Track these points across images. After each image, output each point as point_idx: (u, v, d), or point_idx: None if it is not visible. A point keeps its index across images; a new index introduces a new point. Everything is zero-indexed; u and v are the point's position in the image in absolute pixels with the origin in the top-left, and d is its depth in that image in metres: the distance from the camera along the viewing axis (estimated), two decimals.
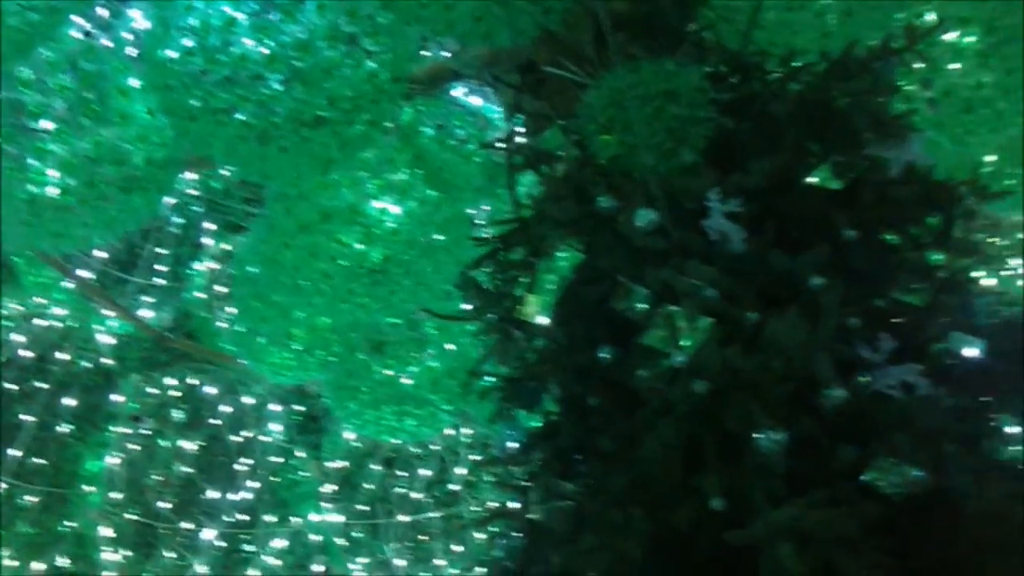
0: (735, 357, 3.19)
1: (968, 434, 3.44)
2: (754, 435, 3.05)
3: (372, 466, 8.42)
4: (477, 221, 5.98)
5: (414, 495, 8.51)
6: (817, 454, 3.14)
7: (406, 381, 7.07)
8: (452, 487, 8.45)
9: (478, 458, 8.07)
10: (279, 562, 7.91)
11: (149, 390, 8.12)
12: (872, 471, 3.08)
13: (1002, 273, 8.12)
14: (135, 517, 7.98)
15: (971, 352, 3.64)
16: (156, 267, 8.10)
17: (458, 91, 6.16)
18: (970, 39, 6.02)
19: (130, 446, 8.13)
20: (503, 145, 5.29)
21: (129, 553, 7.62)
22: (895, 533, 3.04)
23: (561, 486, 3.78)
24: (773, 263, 3.65)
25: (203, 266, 7.76)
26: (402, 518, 8.46)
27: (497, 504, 4.22)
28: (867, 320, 3.63)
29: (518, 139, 5.36)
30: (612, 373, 3.76)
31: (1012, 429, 3.81)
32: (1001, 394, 3.80)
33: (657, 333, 3.42)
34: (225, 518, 7.85)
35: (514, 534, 3.87)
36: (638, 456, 3.35)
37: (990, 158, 6.72)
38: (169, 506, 7.86)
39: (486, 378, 4.11)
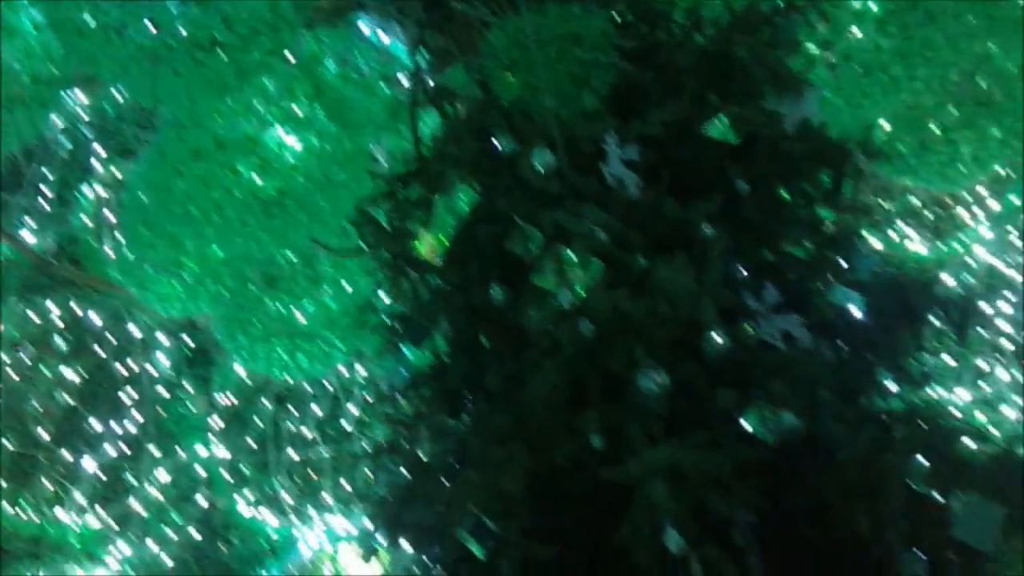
0: (623, 300, 3.23)
1: (844, 385, 3.56)
2: (637, 377, 3.09)
3: (263, 402, 8.34)
4: (376, 157, 5.89)
5: (305, 432, 8.46)
6: (696, 398, 3.20)
7: (300, 318, 6.98)
8: (344, 425, 8.42)
9: (371, 398, 8.05)
10: (161, 495, 7.80)
11: (31, 316, 7.86)
12: (749, 416, 3.15)
13: (890, 235, 8.37)
14: (13, 447, 7.76)
15: (852, 307, 3.76)
16: (41, 189, 7.81)
17: (362, 24, 6.02)
18: (872, 5, 6.14)
19: (10, 373, 7.88)
20: (406, 81, 5.21)
21: (3, 484, 7.42)
22: (768, 477, 3.13)
23: (446, 423, 3.80)
24: (666, 211, 3.69)
25: (91, 191, 7.52)
26: (292, 454, 8.41)
27: (384, 440, 4.21)
28: (754, 271, 3.71)
29: (421, 76, 5.28)
30: (502, 314, 3.77)
31: (887, 383, 3.97)
32: (879, 349, 3.95)
33: (548, 275, 3.43)
34: (108, 449, 7.71)
35: (398, 470, 3.88)
36: (523, 395, 3.38)
37: (884, 123, 6.90)
38: (49, 436, 7.65)
39: (377, 313, 4.08)
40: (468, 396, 3.84)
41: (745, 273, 3.66)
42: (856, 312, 3.74)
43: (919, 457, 3.26)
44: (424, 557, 3.68)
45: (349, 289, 6.94)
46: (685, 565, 2.78)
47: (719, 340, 3.24)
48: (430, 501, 3.55)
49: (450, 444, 3.69)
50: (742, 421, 3.17)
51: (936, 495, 3.16)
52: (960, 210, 8.66)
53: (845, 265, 3.97)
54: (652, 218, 3.66)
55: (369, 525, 4.15)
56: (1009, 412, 8.09)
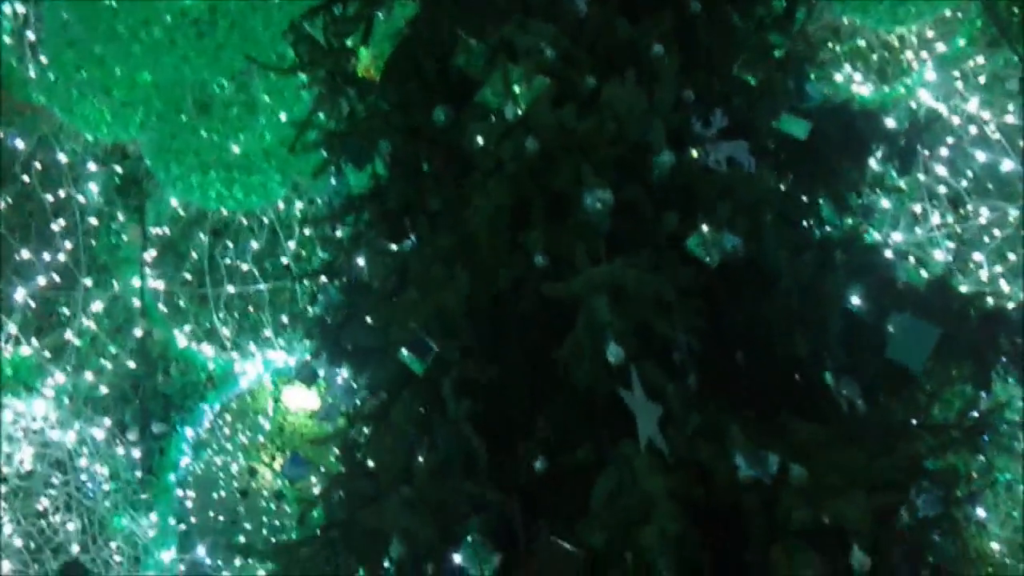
0: (569, 118, 3.13)
1: (787, 211, 3.55)
2: (582, 195, 3.03)
3: (199, 235, 8.17)
4: None
5: (242, 266, 8.34)
6: (641, 219, 3.16)
7: (235, 148, 6.76)
8: (283, 260, 8.31)
9: (309, 231, 7.92)
10: (96, 326, 7.70)
11: None
12: (692, 239, 3.13)
13: (837, 77, 8.29)
14: None
15: (799, 133, 3.72)
16: None
17: None
18: None
19: None
20: None
21: None
22: (709, 299, 3.14)
23: (386, 245, 3.73)
24: (617, 29, 3.57)
25: (10, 7, 7.06)
26: (230, 288, 8.32)
27: (323, 262, 4.15)
28: (702, 95, 3.63)
29: None
30: (445, 134, 3.67)
31: (829, 212, 3.97)
32: (822, 178, 3.93)
33: (493, 91, 3.31)
34: (39, 279, 7.53)
35: (337, 291, 3.83)
36: (466, 215, 3.31)
37: None
38: None
39: (315, 131, 3.95)
40: (409, 218, 3.76)
41: (694, 97, 3.58)
42: (801, 138, 3.69)
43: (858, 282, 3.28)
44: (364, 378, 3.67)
45: (285, 118, 6.70)
46: (624, 379, 2.79)
47: (666, 162, 3.18)
48: (370, 321, 3.51)
49: (390, 265, 3.63)
50: (686, 243, 3.14)
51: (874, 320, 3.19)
52: (907, 53, 8.60)
53: (793, 91, 3.92)
54: (602, 36, 3.54)
55: (309, 350, 4.14)
56: (940, 255, 8.25)
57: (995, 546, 7.27)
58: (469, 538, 2.98)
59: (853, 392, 3.21)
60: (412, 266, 3.46)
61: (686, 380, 2.99)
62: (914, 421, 3.34)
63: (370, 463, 3.58)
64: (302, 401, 8.41)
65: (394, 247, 3.69)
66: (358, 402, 3.72)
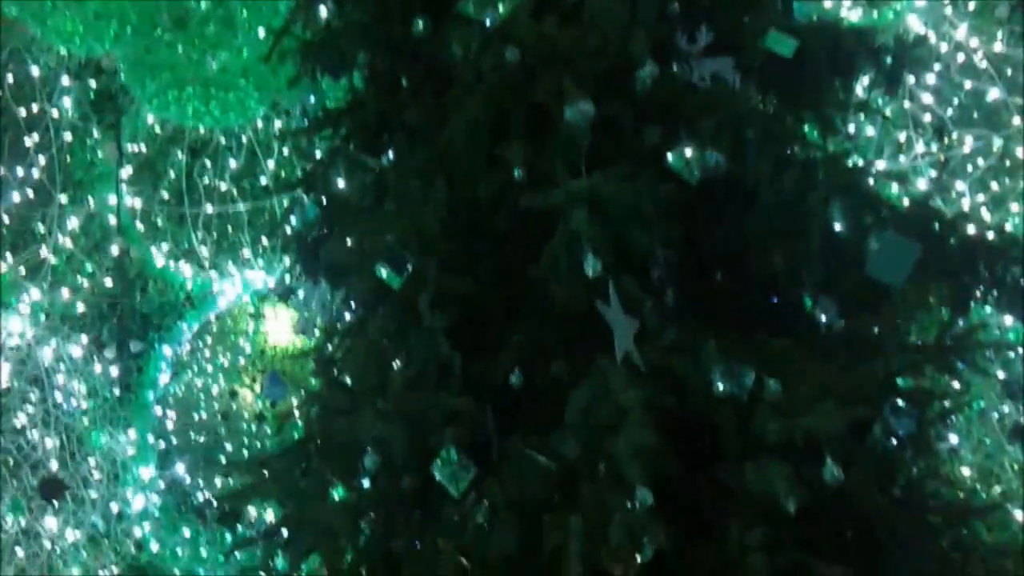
0: (551, 28, 3.07)
1: (770, 128, 3.50)
2: (562, 108, 2.98)
3: (177, 153, 8.04)
4: None
5: (222, 186, 8.24)
6: (622, 133, 3.12)
7: (212, 64, 6.63)
8: (262, 180, 8.21)
9: (289, 152, 7.81)
10: (72, 243, 7.61)
11: None
12: (674, 155, 3.09)
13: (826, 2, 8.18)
14: None
15: (785, 51, 3.65)
16: None
17: None
18: None
19: None
20: None
21: None
22: (690, 215, 3.11)
23: (363, 159, 3.67)
24: None
25: None
26: (209, 208, 8.23)
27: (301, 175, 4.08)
28: (688, 9, 3.56)
29: None
30: (424, 46, 3.59)
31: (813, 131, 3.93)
32: (808, 95, 3.88)
33: (474, 1, 3.23)
34: (13, 195, 7.42)
35: (313, 206, 3.78)
36: (445, 130, 3.26)
37: None
38: None
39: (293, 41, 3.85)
40: (387, 133, 3.70)
41: (679, 11, 3.51)
42: (786, 55, 3.63)
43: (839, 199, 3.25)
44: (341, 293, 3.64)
45: (263, 34, 6.56)
46: (602, 293, 2.77)
47: (649, 74, 3.12)
48: (347, 235, 3.47)
49: (368, 180, 3.58)
50: (667, 159, 3.10)
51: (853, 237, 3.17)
52: None
53: (779, 7, 3.85)
54: None
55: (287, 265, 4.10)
56: (923, 184, 8.23)
57: (966, 471, 7.38)
58: (444, 451, 2.98)
59: (830, 311, 3.21)
60: (389, 180, 3.42)
61: (663, 296, 2.98)
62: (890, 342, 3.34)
63: (347, 379, 3.57)
64: (283, 330, 8.39)
65: (371, 161, 3.63)
66: (335, 317, 3.70)
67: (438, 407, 3.06)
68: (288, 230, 4.09)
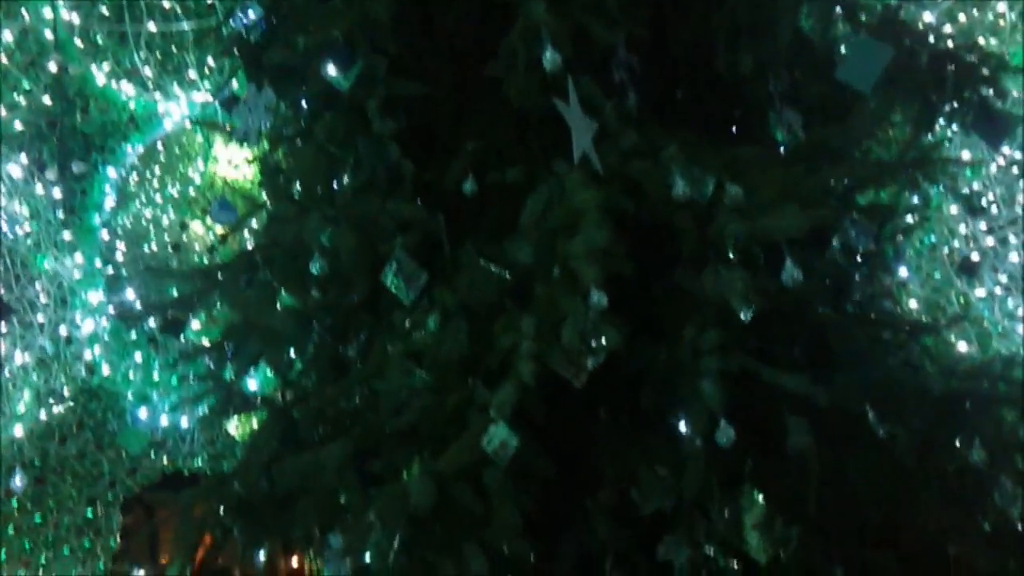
0: None
1: None
2: None
3: None
4: None
5: (164, 3, 7.82)
6: None
7: None
8: None
9: None
10: (6, 59, 7.21)
11: None
12: None
13: None
14: None
15: None
16: None
17: None
18: None
19: None
20: None
21: None
22: (655, 8, 2.96)
23: None
24: None
25: None
26: (151, 27, 7.83)
27: None
28: None
29: None
30: None
31: None
32: None
33: None
34: None
35: (257, 4, 3.55)
36: None
37: None
38: None
39: None
40: None
41: None
42: None
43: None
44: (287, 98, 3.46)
45: None
46: (559, 88, 2.63)
47: None
48: (292, 35, 3.26)
49: None
50: None
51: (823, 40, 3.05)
52: None
53: None
54: None
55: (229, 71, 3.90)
56: None
57: (913, 304, 7.47)
58: (394, 258, 2.89)
59: (794, 120, 3.11)
60: None
61: (625, 98, 2.85)
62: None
63: (293, 188, 3.43)
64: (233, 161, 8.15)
65: None
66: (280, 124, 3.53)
67: (388, 214, 2.96)
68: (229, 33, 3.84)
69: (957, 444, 2.74)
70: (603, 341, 2.42)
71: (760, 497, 2.61)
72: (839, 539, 2.74)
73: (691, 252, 2.65)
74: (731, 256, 2.57)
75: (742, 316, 2.57)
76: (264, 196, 3.64)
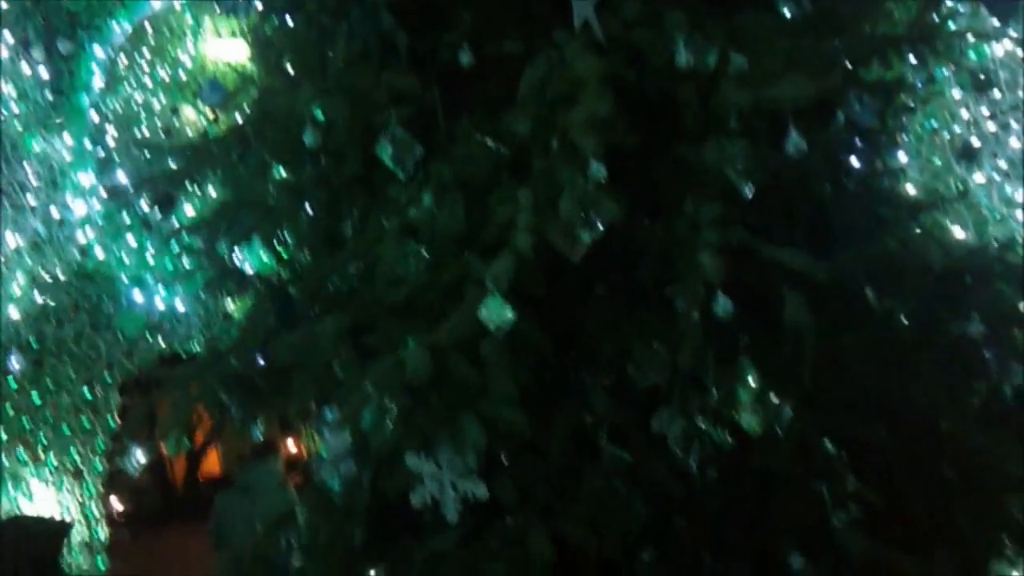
0: None
1: None
2: None
3: None
4: None
5: None
6: None
7: None
8: None
9: None
10: None
11: None
12: None
13: None
14: None
15: None
16: None
17: None
18: None
19: None
20: None
21: None
22: None
23: None
24: None
25: None
26: None
27: None
28: None
29: None
30: None
31: None
32: None
33: None
34: None
35: None
36: None
37: None
38: None
39: None
40: None
41: None
42: None
43: None
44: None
45: None
46: None
47: None
48: None
49: None
50: None
51: None
52: None
53: None
54: None
55: None
56: None
57: (911, 190, 7.42)
58: (389, 131, 2.83)
59: None
60: None
61: None
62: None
63: (285, 60, 3.35)
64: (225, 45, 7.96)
65: None
66: None
67: (382, 86, 2.88)
68: None
69: (955, 318, 2.74)
70: (602, 214, 2.38)
71: (755, 371, 2.61)
72: (833, 414, 2.75)
73: (693, 124, 2.60)
74: (733, 126, 2.51)
75: (743, 191, 2.53)
76: (255, 71, 3.55)
